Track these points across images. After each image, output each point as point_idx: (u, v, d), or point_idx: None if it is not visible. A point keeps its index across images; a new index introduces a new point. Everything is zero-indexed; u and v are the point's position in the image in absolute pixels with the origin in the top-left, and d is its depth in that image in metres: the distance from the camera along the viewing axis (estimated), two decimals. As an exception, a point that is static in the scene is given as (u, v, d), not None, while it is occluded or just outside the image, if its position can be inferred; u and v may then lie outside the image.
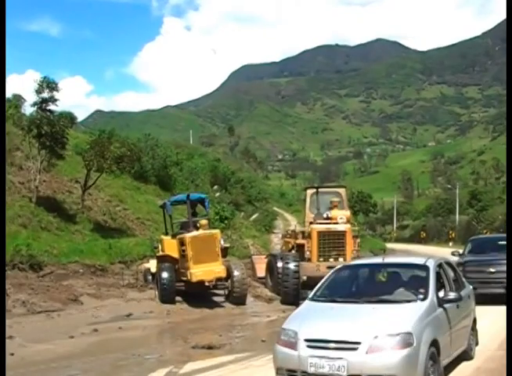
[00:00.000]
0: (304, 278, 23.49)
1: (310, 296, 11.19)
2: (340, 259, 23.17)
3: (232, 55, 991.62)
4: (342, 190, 27.56)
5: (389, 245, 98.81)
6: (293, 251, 26.03)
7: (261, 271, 29.34)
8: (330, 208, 24.76)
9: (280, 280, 24.89)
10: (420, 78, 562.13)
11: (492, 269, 22.42)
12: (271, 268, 27.32)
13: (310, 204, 26.74)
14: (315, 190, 27.33)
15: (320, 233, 23.83)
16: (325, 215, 25.00)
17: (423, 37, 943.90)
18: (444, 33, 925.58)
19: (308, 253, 24.01)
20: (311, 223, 25.17)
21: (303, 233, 25.96)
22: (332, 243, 23.84)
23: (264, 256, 30.99)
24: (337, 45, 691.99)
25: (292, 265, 24.07)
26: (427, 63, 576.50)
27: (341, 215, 24.26)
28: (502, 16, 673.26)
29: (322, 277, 20.18)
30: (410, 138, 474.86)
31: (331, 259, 23.46)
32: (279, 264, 25.66)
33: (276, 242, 47.59)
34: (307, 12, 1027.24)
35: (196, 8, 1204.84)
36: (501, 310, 17.76)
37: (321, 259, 23.66)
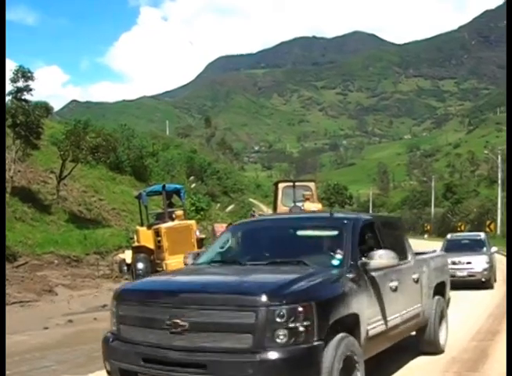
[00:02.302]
0: None
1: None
2: None
3: (209, 46, 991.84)
4: (312, 184, 28.16)
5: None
6: None
7: None
8: (303, 201, 25.27)
9: None
10: (396, 71, 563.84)
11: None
12: None
13: (282, 197, 27.20)
14: (287, 184, 27.84)
15: None
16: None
17: (400, 30, 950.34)
18: (420, 26, 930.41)
19: None
20: None
21: None
22: None
23: (225, 224, 31.41)
24: (314, 37, 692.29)
25: None
26: (404, 56, 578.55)
27: (313, 207, 24.81)
28: (479, 10, 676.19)
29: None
30: (386, 130, 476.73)
31: None
32: None
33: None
34: (284, 3, 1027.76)
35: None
36: (471, 299, 20.06)
37: None
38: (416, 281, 10.24)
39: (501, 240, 68.84)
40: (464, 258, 24.76)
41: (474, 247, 26.68)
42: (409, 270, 10.01)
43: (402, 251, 9.92)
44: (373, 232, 9.33)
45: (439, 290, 11.56)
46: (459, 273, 23.85)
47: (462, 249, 25.92)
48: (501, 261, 41.50)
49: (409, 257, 10.32)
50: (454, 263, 23.22)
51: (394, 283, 9.01)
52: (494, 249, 27.56)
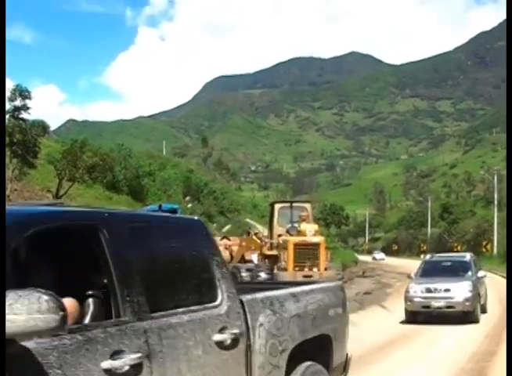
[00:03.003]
0: None
1: None
2: (315, 269, 24.45)
3: (207, 66, 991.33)
4: (308, 205, 28.81)
5: (361, 257, 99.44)
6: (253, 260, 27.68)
7: None
8: (299, 222, 25.62)
9: None
10: (393, 92, 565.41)
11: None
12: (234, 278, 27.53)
13: (278, 218, 27.42)
14: (283, 205, 28.27)
15: (296, 245, 24.69)
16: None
17: (397, 51, 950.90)
18: (417, 47, 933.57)
19: (283, 263, 24.93)
20: (279, 236, 26.33)
21: (271, 244, 27.15)
22: (307, 253, 24.77)
23: (219, 238, 31.83)
24: (311, 57, 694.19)
25: (264, 275, 25.10)
26: (401, 76, 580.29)
27: (310, 228, 25.19)
28: (475, 31, 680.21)
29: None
30: (383, 151, 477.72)
31: (306, 269, 24.51)
32: (245, 274, 26.69)
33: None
34: (281, 24, 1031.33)
35: (171, 18, 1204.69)
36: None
37: (296, 269, 24.51)
38: (231, 346, 5.23)
39: (497, 260, 68.91)
40: (442, 285, 21.25)
41: (457, 270, 23.12)
42: (207, 327, 5.06)
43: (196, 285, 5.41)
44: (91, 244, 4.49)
45: (316, 355, 6.48)
46: (434, 303, 20.89)
47: (441, 273, 22.57)
48: (497, 283, 41.29)
49: (220, 296, 5.39)
50: (429, 291, 21.14)
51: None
52: (481, 274, 23.70)
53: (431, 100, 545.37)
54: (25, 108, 32.21)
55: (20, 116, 32.23)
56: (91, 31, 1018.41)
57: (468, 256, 24.85)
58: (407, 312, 21.67)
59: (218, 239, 32.73)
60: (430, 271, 23.06)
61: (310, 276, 24.12)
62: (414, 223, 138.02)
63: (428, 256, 26.92)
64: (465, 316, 20.79)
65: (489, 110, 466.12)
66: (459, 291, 20.77)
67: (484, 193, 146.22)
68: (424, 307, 21.19)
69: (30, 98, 32.27)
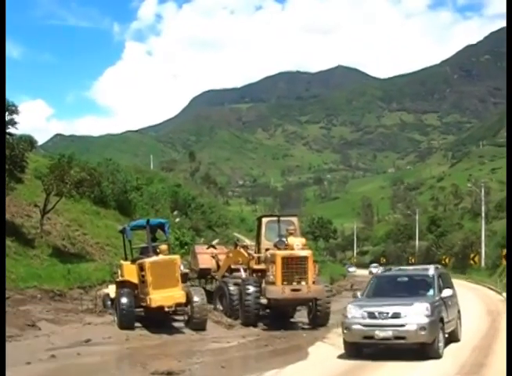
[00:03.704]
0: (264, 301, 24.96)
1: None
2: (303, 283, 24.36)
3: (194, 80, 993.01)
4: (295, 219, 28.77)
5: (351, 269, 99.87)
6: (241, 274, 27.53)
7: (203, 261, 30.61)
8: (287, 236, 25.68)
9: (239, 303, 25.81)
10: (379, 105, 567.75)
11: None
12: (221, 292, 27.84)
13: (266, 232, 27.45)
14: (270, 219, 28.25)
15: (284, 258, 24.60)
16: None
17: (383, 65, 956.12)
18: (403, 61, 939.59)
19: (271, 277, 24.76)
20: (266, 250, 26.20)
21: (259, 258, 26.98)
22: (295, 267, 24.66)
23: (206, 246, 31.90)
24: (298, 71, 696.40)
25: (253, 289, 25.16)
26: (387, 90, 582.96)
27: (297, 241, 25.26)
28: (461, 45, 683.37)
29: (286, 299, 20.46)
30: (370, 164, 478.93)
31: (294, 283, 24.42)
32: (232, 288, 26.70)
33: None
34: (268, 38, 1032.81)
35: (158, 33, 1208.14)
36: None
37: (285, 283, 24.40)
38: None
39: (485, 272, 69.17)
40: (389, 308, 16.77)
41: (415, 288, 18.54)
42: None
43: None
44: None
45: None
46: (379, 333, 16.45)
47: (394, 292, 18.33)
48: (485, 294, 41.40)
49: None
50: (372, 316, 16.82)
51: None
52: (447, 293, 18.28)
53: (418, 113, 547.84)
54: (12, 123, 32.14)
55: (7, 131, 32.15)
56: (78, 46, 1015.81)
57: (432, 269, 19.29)
58: (346, 343, 17.63)
59: (204, 247, 32.86)
60: (380, 289, 18.82)
61: (298, 290, 24.21)
62: (402, 236, 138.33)
63: (379, 270, 23.52)
64: (422, 349, 16.60)
65: (476, 123, 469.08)
66: (411, 316, 16.40)
67: (472, 206, 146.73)
68: (366, 338, 16.86)
69: (17, 113, 32.21)
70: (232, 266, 29.15)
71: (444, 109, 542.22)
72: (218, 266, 30.18)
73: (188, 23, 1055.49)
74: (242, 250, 28.80)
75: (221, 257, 30.54)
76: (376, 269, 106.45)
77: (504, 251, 40.31)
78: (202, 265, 30.51)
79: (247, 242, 29.99)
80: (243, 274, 27.43)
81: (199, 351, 19.63)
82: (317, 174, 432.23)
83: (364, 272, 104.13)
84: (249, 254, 28.12)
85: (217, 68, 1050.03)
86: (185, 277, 24.36)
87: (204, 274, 30.85)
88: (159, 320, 23.24)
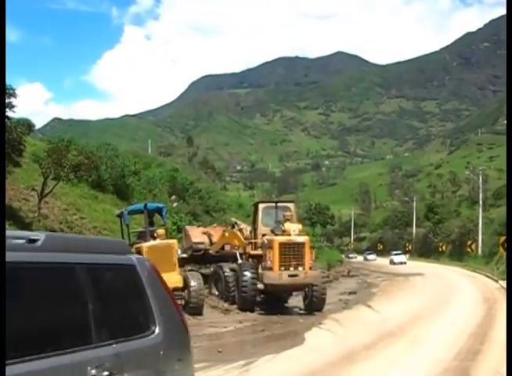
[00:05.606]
0: (261, 286, 25.04)
1: None
2: (300, 268, 24.43)
3: (193, 65, 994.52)
4: (291, 205, 28.77)
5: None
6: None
7: (195, 236, 30.89)
8: (283, 222, 25.68)
9: (236, 288, 26.01)
10: (378, 92, 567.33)
11: None
12: (217, 276, 28.07)
13: (263, 218, 27.47)
14: (267, 204, 28.28)
15: (281, 244, 24.64)
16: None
17: (383, 51, 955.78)
18: (403, 47, 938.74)
19: (269, 262, 24.84)
20: (263, 235, 26.29)
21: (255, 244, 27.06)
22: (292, 253, 24.69)
23: (196, 226, 32.10)
24: (297, 57, 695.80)
25: (249, 274, 25.24)
26: (386, 76, 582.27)
27: (294, 227, 25.28)
28: (460, 32, 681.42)
29: (283, 285, 20.66)
30: (368, 151, 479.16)
31: (291, 268, 24.48)
32: (228, 272, 26.90)
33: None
34: (268, 24, 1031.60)
35: (157, 17, 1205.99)
36: None
37: (282, 268, 24.47)
38: None
39: (482, 260, 69.14)
40: None
41: None
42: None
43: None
44: None
45: None
46: None
47: None
48: (481, 282, 41.47)
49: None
50: None
51: None
52: None
53: (417, 101, 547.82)
54: (10, 106, 32.03)
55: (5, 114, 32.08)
56: (76, 30, 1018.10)
57: None
58: None
59: (195, 227, 32.95)
60: None
61: (295, 276, 24.25)
62: (399, 223, 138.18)
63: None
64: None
65: (474, 110, 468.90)
66: None
67: (469, 194, 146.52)
68: None
69: (15, 96, 32.04)
70: (225, 248, 29.30)
71: (443, 96, 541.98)
72: (211, 242, 30.29)
73: (186, 7, 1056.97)
74: (239, 232, 28.85)
75: (214, 233, 30.69)
76: (373, 256, 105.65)
77: (501, 239, 40.27)
78: (195, 240, 30.53)
79: (243, 226, 29.84)
80: (239, 259, 27.47)
81: (195, 335, 19.59)
82: (315, 160, 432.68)
83: (360, 258, 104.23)
84: (245, 238, 28.17)
85: (215, 53, 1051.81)
86: (182, 262, 24.42)
87: (198, 250, 30.72)
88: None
